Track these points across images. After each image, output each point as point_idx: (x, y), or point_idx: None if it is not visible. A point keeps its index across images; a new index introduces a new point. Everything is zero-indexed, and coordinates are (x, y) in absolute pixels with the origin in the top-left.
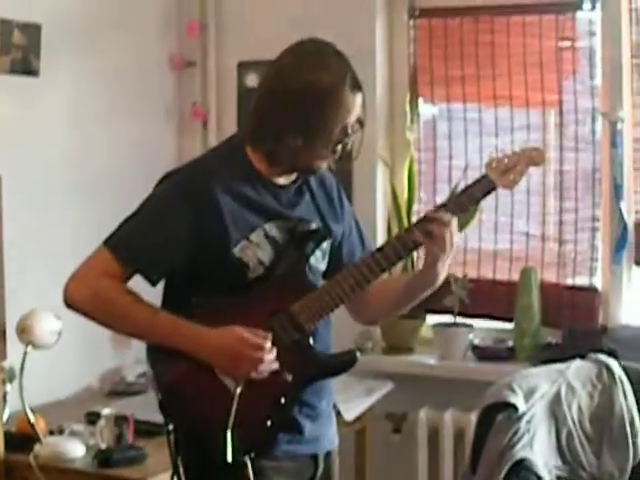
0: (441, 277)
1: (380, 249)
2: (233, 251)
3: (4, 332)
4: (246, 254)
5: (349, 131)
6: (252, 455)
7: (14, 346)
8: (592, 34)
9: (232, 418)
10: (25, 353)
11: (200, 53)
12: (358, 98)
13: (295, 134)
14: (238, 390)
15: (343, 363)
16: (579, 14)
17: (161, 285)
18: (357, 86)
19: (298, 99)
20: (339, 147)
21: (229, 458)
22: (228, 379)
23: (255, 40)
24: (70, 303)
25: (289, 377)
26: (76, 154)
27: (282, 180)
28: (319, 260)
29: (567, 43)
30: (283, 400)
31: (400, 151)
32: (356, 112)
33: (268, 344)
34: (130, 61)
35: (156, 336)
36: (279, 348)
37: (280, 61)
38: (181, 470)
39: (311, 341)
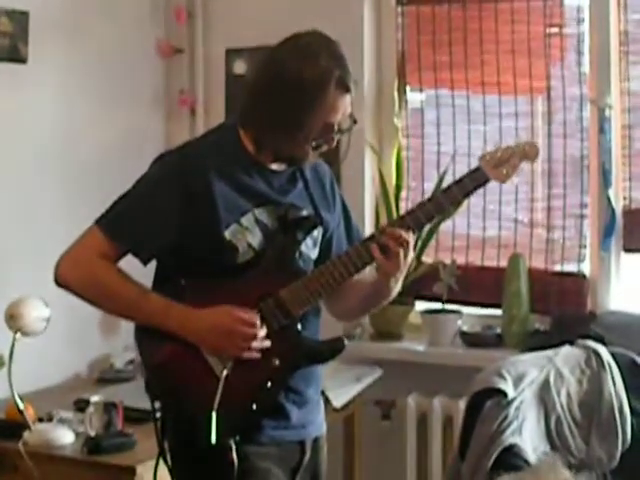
0: (394, 291)
1: (366, 240)
2: (224, 234)
3: None
4: (236, 237)
5: (335, 129)
6: (237, 438)
7: (2, 333)
8: (580, 21)
9: (217, 400)
10: (14, 340)
11: (188, 40)
12: (343, 99)
13: (278, 125)
14: (224, 372)
15: (331, 350)
16: (567, 0)
17: (152, 268)
18: (344, 86)
19: (281, 89)
20: (322, 143)
21: (213, 440)
22: (214, 361)
23: (243, 27)
24: (61, 282)
25: (276, 362)
26: (64, 141)
27: (275, 166)
28: (310, 248)
29: (555, 30)
30: (269, 384)
31: (388, 138)
32: (341, 112)
33: (258, 321)
34: (118, 48)
35: (145, 316)
36: (267, 332)
37: (275, 50)
38: (167, 452)
39: (299, 327)
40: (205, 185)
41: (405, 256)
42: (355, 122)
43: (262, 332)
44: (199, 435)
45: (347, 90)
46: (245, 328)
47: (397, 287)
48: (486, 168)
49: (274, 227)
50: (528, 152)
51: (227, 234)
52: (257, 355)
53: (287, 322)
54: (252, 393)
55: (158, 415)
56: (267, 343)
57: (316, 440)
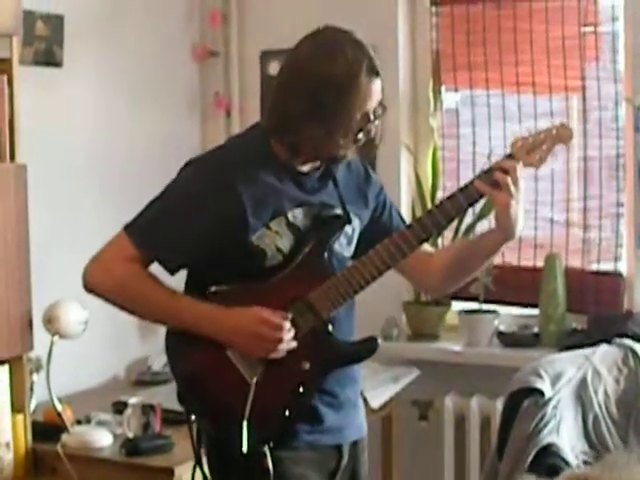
0: (517, 228)
1: (417, 221)
2: (251, 239)
3: (31, 322)
4: (264, 242)
5: (371, 117)
6: (271, 445)
7: (41, 336)
8: (615, 19)
9: (248, 408)
10: (52, 343)
11: (223, 42)
12: (376, 84)
13: (315, 125)
14: (254, 379)
15: (363, 350)
16: None
17: (181, 276)
18: (374, 72)
19: (316, 90)
20: (361, 135)
21: (244, 448)
22: (245, 368)
23: (278, 29)
24: (89, 287)
25: (306, 365)
26: (99, 144)
27: (306, 167)
28: (344, 246)
29: (590, 28)
30: (302, 389)
31: (424, 138)
32: (375, 98)
33: (287, 324)
34: (153, 51)
35: (175, 319)
36: (297, 335)
37: (296, 52)
38: (204, 460)
39: (330, 328)
40: (233, 192)
41: (515, 183)
42: (385, 109)
43: (290, 334)
44: (233, 443)
45: (377, 74)
46: (272, 331)
47: (519, 222)
48: (518, 154)
49: (306, 228)
50: (562, 135)
51: (254, 239)
52: (284, 353)
53: (317, 324)
54: (284, 399)
55: (193, 424)
56: (293, 344)
57: (355, 444)
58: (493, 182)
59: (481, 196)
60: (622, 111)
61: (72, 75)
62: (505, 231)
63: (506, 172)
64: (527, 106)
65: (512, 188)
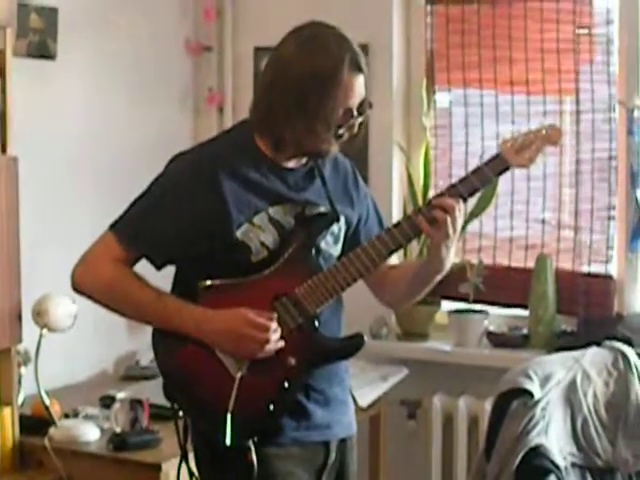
0: (447, 263)
1: (387, 231)
2: (235, 234)
3: (20, 315)
4: (248, 237)
5: (354, 113)
6: (255, 439)
7: (29, 329)
8: (609, 21)
9: (232, 402)
10: (40, 336)
11: (216, 38)
12: (359, 79)
13: (298, 118)
14: (239, 374)
15: (349, 347)
16: (596, 1)
17: (170, 272)
18: (357, 68)
19: (298, 86)
20: (344, 130)
21: (228, 442)
22: (230, 362)
23: (271, 25)
24: (77, 287)
25: (292, 361)
26: (92, 138)
27: (291, 164)
28: (330, 245)
29: (584, 30)
30: (287, 384)
31: (416, 137)
32: (358, 93)
33: (274, 324)
34: (146, 45)
35: (160, 319)
36: (283, 332)
37: (281, 46)
38: (190, 455)
39: (316, 324)
40: (217, 187)
41: (453, 223)
42: (371, 106)
43: (276, 335)
44: (218, 438)
45: (360, 70)
46: (257, 332)
47: (450, 258)
48: (507, 154)
49: (290, 225)
50: (551, 136)
51: (238, 234)
52: (272, 352)
53: (303, 321)
54: (269, 393)
55: (180, 419)
56: (281, 344)
57: (344, 441)
58: (432, 219)
59: (420, 232)
60: (615, 114)
61: (65, 68)
62: (434, 265)
63: (446, 211)
64: (520, 106)
65: (450, 229)
